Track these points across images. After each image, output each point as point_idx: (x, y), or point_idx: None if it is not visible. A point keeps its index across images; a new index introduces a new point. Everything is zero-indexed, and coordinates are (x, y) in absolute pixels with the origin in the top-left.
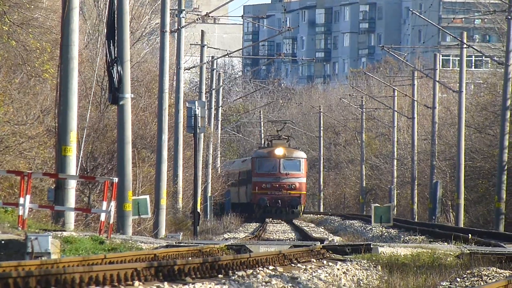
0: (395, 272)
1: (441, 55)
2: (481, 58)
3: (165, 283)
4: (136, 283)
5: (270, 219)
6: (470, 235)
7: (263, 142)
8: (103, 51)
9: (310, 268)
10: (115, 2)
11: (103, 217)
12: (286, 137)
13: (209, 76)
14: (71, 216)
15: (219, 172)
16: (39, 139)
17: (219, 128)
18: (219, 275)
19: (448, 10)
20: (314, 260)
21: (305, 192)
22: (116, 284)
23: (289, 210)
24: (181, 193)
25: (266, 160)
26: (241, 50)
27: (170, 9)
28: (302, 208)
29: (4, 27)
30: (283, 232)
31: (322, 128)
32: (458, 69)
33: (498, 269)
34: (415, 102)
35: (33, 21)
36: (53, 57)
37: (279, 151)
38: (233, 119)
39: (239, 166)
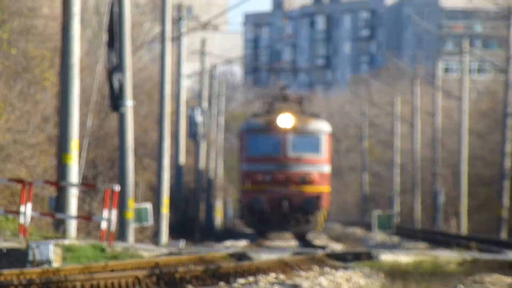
0: (397, 279)
1: (442, 62)
2: (482, 65)
3: None
4: None
5: (271, 233)
6: (474, 242)
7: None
8: (104, 58)
9: (312, 275)
10: (116, 9)
11: (104, 225)
12: (298, 98)
13: (210, 84)
14: (72, 224)
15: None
16: (40, 147)
17: (222, 135)
18: (221, 283)
19: (449, 17)
20: (316, 268)
21: (328, 190)
22: None
23: (301, 218)
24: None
25: (263, 135)
26: (242, 58)
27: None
28: (325, 215)
29: (4, 35)
30: (284, 239)
31: None
32: (460, 75)
33: (501, 276)
34: (416, 109)
35: (33, 29)
36: (53, 65)
37: (285, 119)
38: (234, 126)
39: None
